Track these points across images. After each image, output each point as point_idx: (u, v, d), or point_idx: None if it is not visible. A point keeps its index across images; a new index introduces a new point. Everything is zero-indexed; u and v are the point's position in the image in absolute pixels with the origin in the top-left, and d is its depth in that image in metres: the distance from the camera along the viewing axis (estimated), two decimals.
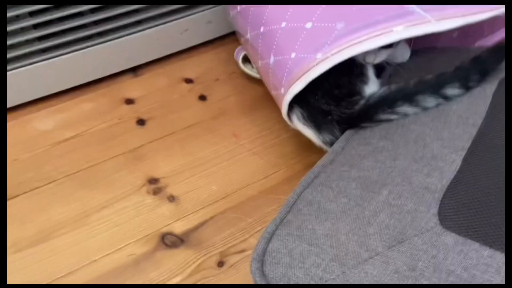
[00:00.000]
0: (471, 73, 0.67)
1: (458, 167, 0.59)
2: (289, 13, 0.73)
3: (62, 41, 0.89)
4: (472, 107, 0.66)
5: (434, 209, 0.55)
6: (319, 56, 0.68)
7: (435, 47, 0.84)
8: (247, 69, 0.97)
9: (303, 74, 0.68)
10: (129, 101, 0.93)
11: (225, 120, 0.89)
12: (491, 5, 0.68)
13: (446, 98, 0.67)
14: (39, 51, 0.89)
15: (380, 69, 0.76)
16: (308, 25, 0.70)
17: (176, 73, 1.00)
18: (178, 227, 0.73)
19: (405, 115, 0.68)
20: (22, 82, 0.88)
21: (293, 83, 0.70)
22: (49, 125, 0.88)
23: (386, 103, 0.68)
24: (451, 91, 0.67)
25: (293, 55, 0.71)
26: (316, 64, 0.68)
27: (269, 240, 0.57)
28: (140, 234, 0.72)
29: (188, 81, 0.98)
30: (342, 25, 0.67)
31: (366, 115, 0.69)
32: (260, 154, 0.84)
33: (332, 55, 0.66)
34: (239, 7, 0.83)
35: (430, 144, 0.63)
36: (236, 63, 0.98)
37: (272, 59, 0.75)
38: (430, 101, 0.67)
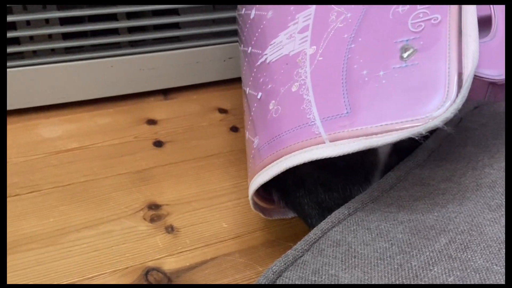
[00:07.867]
0: None
1: None
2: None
3: (89, 43, 0.80)
4: None
5: None
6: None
7: None
8: None
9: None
10: (151, 122, 0.81)
11: None
12: (411, 119, 0.42)
13: None
14: (62, 50, 0.80)
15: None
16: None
17: (210, 101, 0.87)
18: (169, 264, 0.57)
19: None
20: (37, 82, 0.78)
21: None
22: (55, 134, 0.77)
23: None
24: None
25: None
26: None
27: (273, 283, 0.40)
28: (120, 264, 0.56)
29: (222, 111, 0.85)
30: (257, 141, 0.53)
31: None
32: None
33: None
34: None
35: None
36: None
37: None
38: None
